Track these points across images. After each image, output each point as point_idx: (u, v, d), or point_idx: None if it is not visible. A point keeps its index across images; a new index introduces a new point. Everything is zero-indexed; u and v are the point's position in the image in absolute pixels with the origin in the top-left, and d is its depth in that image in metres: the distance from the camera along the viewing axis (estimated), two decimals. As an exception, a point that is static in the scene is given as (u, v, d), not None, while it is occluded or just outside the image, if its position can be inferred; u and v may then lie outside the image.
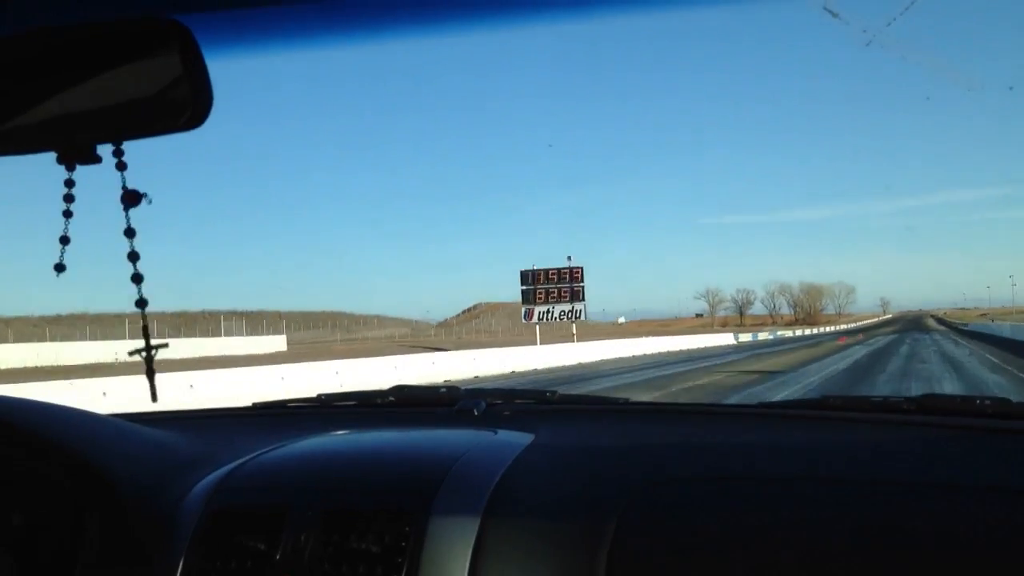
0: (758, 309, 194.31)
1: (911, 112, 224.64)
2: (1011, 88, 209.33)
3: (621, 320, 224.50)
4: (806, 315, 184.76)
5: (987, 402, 1.31)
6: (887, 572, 0.91)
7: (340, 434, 1.38)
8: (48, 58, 0.73)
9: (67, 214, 0.79)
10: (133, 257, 0.86)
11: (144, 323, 0.97)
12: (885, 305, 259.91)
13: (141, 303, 0.93)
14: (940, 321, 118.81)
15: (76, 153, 0.76)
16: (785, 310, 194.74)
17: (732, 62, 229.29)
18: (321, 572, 0.99)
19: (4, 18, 0.71)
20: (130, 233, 0.82)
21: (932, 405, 1.34)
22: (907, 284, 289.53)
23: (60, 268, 0.81)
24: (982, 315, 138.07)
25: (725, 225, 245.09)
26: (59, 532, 1.14)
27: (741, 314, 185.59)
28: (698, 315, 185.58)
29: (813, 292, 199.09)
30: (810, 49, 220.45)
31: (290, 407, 1.77)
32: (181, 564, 1.05)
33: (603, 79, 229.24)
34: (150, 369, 0.98)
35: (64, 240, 0.80)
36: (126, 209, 0.80)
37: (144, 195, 0.80)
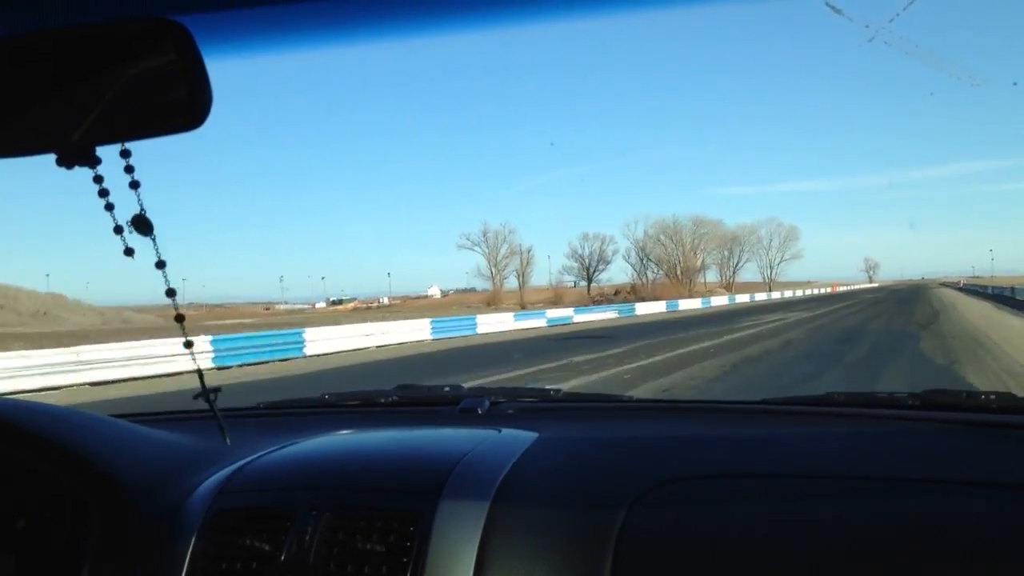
0: (619, 271, 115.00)
1: (915, 110, 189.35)
2: (1015, 84, 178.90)
3: (432, 291, 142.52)
4: (674, 277, 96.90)
5: (992, 397, 1.32)
6: (894, 569, 0.91)
7: (344, 434, 1.39)
8: (47, 59, 0.72)
9: (109, 207, 0.80)
10: (171, 293, 0.88)
11: (199, 370, 1.03)
12: (871, 269, 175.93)
13: (188, 344, 0.97)
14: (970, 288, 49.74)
15: (75, 155, 0.75)
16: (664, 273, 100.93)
17: (729, 59, 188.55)
18: (326, 572, 1.00)
19: (3, 19, 0.69)
20: (161, 265, 0.84)
21: (937, 400, 1.36)
22: (905, 252, 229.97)
23: (129, 252, 0.83)
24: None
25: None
26: (62, 533, 1.16)
27: (589, 279, 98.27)
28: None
29: (707, 237, 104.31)
30: (811, 46, 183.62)
31: (294, 406, 1.81)
32: (186, 564, 1.05)
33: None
34: (212, 409, 1.04)
35: (118, 230, 0.81)
36: (148, 234, 0.80)
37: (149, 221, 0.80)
